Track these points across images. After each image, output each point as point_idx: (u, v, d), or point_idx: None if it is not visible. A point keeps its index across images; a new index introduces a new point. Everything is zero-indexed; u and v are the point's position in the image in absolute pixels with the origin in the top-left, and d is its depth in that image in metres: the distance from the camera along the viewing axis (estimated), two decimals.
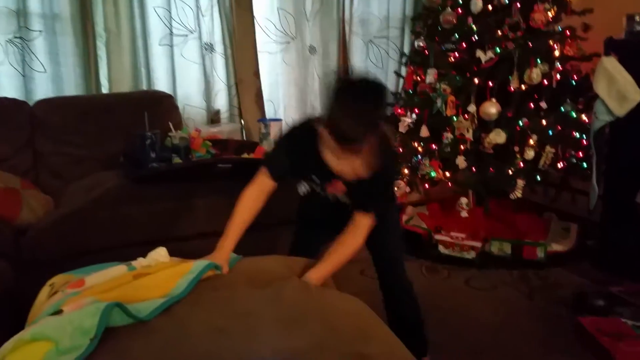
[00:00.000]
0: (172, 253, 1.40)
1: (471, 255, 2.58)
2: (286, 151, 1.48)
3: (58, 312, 1.04)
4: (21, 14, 2.50)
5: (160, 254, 1.33)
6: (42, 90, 2.60)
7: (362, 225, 1.42)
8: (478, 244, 2.63)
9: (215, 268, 1.31)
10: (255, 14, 3.02)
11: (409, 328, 1.61)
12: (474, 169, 2.69)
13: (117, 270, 1.26)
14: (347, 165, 1.29)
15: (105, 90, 2.75)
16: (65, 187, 2.22)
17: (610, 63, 2.27)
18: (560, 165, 2.67)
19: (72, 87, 2.66)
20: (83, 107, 2.48)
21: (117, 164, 2.22)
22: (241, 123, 3.11)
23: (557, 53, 2.62)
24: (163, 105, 2.61)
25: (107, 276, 1.23)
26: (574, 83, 2.68)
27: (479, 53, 2.62)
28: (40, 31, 2.56)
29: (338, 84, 1.31)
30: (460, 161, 2.64)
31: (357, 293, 1.29)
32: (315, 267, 1.38)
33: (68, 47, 2.63)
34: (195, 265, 1.32)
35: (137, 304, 1.13)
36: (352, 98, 1.24)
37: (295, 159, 1.44)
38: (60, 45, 2.62)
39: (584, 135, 2.61)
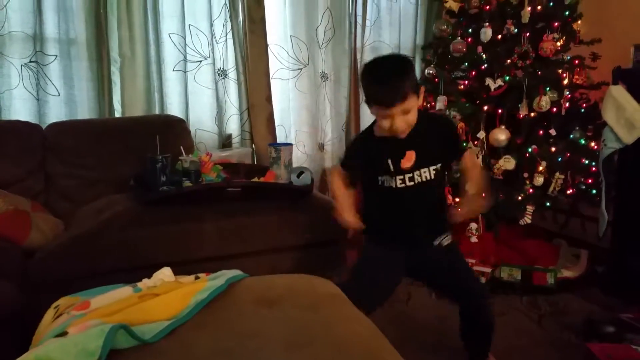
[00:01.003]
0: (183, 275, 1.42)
1: (481, 280, 2.56)
2: (356, 152, 1.72)
3: (63, 334, 1.04)
4: (37, 39, 2.56)
5: (165, 273, 1.34)
6: (56, 113, 2.64)
7: (469, 159, 1.74)
8: (488, 270, 2.61)
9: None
10: (268, 41, 3.08)
11: (489, 330, 1.79)
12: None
13: (123, 292, 1.27)
14: (407, 121, 1.52)
15: (118, 114, 2.79)
16: (75, 210, 2.24)
17: (618, 92, 2.28)
18: (569, 191, 2.66)
19: (85, 110, 2.71)
20: (95, 130, 2.51)
21: (127, 187, 2.24)
22: (252, 147, 3.14)
23: (566, 81, 2.63)
24: (175, 130, 2.64)
25: (112, 298, 1.24)
26: (582, 111, 2.68)
27: (488, 81, 2.64)
28: (55, 56, 2.62)
29: (365, 66, 1.57)
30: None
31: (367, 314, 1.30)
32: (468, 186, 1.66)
33: (82, 71, 2.69)
34: (209, 285, 1.33)
35: (142, 326, 1.14)
36: (379, 67, 1.54)
37: (368, 155, 1.65)
38: (75, 69, 2.67)
39: (593, 162, 2.60)
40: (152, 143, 2.19)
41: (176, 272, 1.43)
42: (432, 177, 1.62)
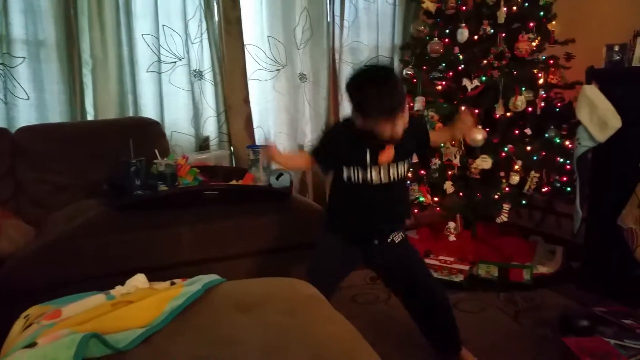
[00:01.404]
0: (158, 281, 1.39)
1: (459, 278, 2.58)
2: (330, 144, 1.71)
3: (32, 344, 1.01)
4: (4, 40, 2.49)
5: (139, 280, 1.31)
6: (25, 117, 2.58)
7: (432, 135, 1.85)
8: (466, 267, 2.63)
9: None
10: (245, 41, 3.05)
11: (452, 326, 1.83)
12: (461, 194, 2.71)
13: (96, 299, 1.23)
14: (400, 124, 1.57)
15: (90, 117, 2.73)
16: (47, 216, 2.18)
17: (592, 91, 2.32)
18: (544, 189, 2.70)
19: (56, 114, 2.64)
20: (66, 134, 2.45)
21: (101, 192, 2.20)
22: (230, 150, 3.11)
23: (541, 81, 2.67)
24: (149, 132, 2.60)
25: (84, 306, 1.20)
26: (557, 110, 2.73)
27: (465, 81, 2.66)
28: (23, 57, 2.55)
29: (351, 80, 1.60)
30: (448, 186, 2.69)
31: (348, 319, 1.28)
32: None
33: (53, 74, 2.62)
34: (185, 290, 1.30)
35: (116, 335, 1.11)
36: (370, 81, 1.56)
37: (344, 146, 1.65)
38: (45, 72, 2.61)
39: (568, 161, 2.64)
40: (126, 146, 2.15)
41: (152, 278, 1.40)
42: (403, 173, 1.70)
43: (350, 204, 1.72)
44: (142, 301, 1.22)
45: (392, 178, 1.66)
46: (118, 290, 1.29)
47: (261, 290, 1.37)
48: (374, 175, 1.64)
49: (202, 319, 1.19)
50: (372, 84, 1.54)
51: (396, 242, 1.76)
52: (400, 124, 1.58)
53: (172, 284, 1.34)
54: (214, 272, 1.50)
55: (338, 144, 1.68)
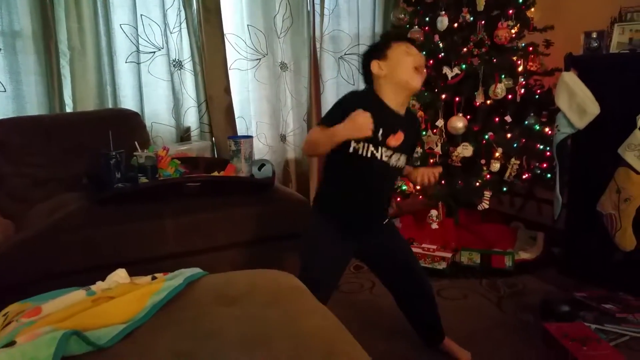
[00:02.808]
0: (141, 275, 1.38)
1: (442, 266, 2.61)
2: (346, 110, 1.50)
3: (11, 343, 1.00)
4: None
5: (120, 275, 1.30)
6: (2, 110, 2.52)
7: None
8: (448, 255, 2.66)
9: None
10: (225, 30, 3.01)
11: (436, 313, 1.85)
12: (443, 181, 2.73)
13: (76, 296, 1.22)
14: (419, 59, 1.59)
15: (69, 109, 2.69)
16: (26, 210, 2.15)
17: (570, 78, 2.34)
18: (525, 176, 2.74)
19: (34, 106, 2.59)
20: (44, 126, 2.40)
21: (80, 186, 2.17)
22: (212, 140, 3.09)
23: (520, 68, 2.69)
24: (129, 124, 2.56)
25: (64, 303, 1.19)
26: (537, 97, 2.75)
27: (446, 69, 2.67)
28: None
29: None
30: None
31: (330, 308, 1.30)
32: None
33: (30, 65, 2.57)
34: (166, 285, 1.30)
35: (97, 331, 1.11)
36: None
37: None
38: (22, 63, 2.55)
39: (548, 147, 2.67)
40: (106, 138, 2.12)
41: (134, 272, 1.40)
42: (403, 164, 1.68)
43: (350, 180, 1.63)
44: (123, 297, 1.21)
45: (393, 164, 1.63)
46: (99, 285, 1.29)
47: (243, 282, 1.38)
48: (382, 154, 1.58)
49: (183, 314, 1.19)
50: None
51: (386, 226, 1.77)
52: (423, 69, 1.60)
53: (154, 278, 1.34)
54: (198, 264, 1.50)
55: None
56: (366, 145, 1.56)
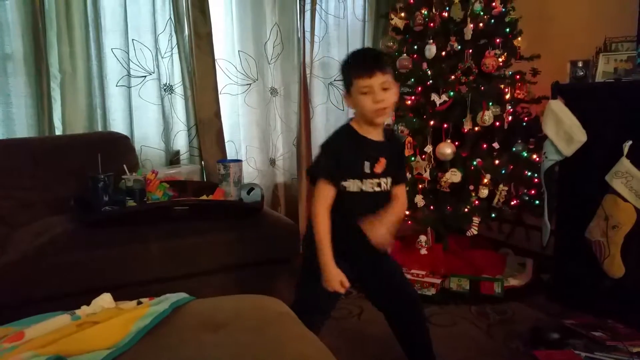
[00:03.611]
0: (127, 299, 1.36)
1: (431, 292, 2.59)
2: (335, 154, 1.61)
3: None
4: None
5: (105, 300, 1.28)
6: None
7: (403, 194, 1.75)
8: (438, 281, 2.64)
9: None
10: (215, 56, 3.04)
11: (428, 339, 1.82)
12: (432, 207, 2.74)
13: (60, 320, 1.20)
14: (387, 98, 1.55)
15: (59, 132, 2.68)
16: (11, 233, 2.11)
17: (558, 106, 2.37)
18: (513, 202, 2.75)
19: (24, 128, 2.59)
20: (33, 149, 2.39)
21: (67, 209, 2.14)
22: (201, 164, 3.08)
23: (508, 96, 2.72)
24: (118, 147, 2.56)
25: (48, 327, 1.16)
26: (524, 124, 2.78)
27: (434, 96, 2.70)
28: None
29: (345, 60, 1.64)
30: (419, 200, 2.70)
31: (318, 335, 1.29)
32: (380, 219, 1.62)
33: (20, 87, 2.57)
34: (151, 310, 1.27)
35: (81, 356, 1.08)
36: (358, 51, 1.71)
37: (346, 156, 1.60)
38: (12, 85, 2.56)
39: (535, 174, 2.69)
40: (94, 162, 2.11)
41: (120, 296, 1.37)
42: (389, 187, 1.69)
43: (343, 211, 1.64)
44: (108, 322, 1.19)
45: (382, 188, 1.66)
46: (84, 310, 1.26)
47: (230, 308, 1.36)
48: (369, 185, 1.63)
49: (168, 340, 1.17)
50: (356, 52, 1.67)
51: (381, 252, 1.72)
52: (382, 94, 1.54)
53: (139, 303, 1.31)
54: (185, 289, 1.48)
55: (344, 152, 1.62)
56: (352, 180, 1.62)
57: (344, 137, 1.66)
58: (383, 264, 1.77)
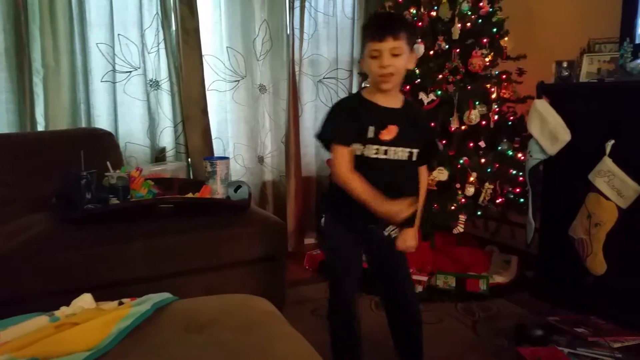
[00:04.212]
0: (109, 299, 1.34)
1: (418, 289, 2.61)
2: (336, 115, 1.63)
3: None
4: None
5: (85, 300, 1.26)
6: None
7: (424, 176, 1.76)
8: (424, 278, 2.66)
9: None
10: (203, 52, 3.01)
11: (420, 339, 1.82)
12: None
13: (38, 321, 1.18)
14: (394, 64, 1.51)
15: (41, 127, 2.64)
16: None
17: (542, 105, 2.39)
18: (499, 200, 2.77)
19: (4, 124, 2.54)
20: (13, 145, 2.34)
21: (49, 206, 2.11)
22: (187, 161, 3.06)
23: (494, 96, 2.74)
24: (102, 143, 2.52)
25: (25, 329, 1.14)
26: (510, 124, 2.81)
27: (422, 95, 2.71)
28: None
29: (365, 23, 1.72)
30: None
31: (307, 333, 1.27)
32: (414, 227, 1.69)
33: (1, 82, 2.52)
34: (133, 311, 1.26)
35: (58, 359, 1.06)
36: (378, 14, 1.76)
37: (353, 119, 1.59)
38: None
39: (520, 173, 2.72)
40: (76, 158, 2.07)
41: (101, 296, 1.35)
42: (406, 158, 1.63)
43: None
44: (88, 323, 1.17)
45: (392, 157, 1.60)
46: (63, 311, 1.24)
47: (214, 308, 1.34)
48: (373, 151, 1.59)
49: (151, 341, 1.15)
50: (376, 14, 1.72)
51: (392, 237, 1.70)
52: (389, 60, 1.51)
53: (120, 303, 1.30)
54: (169, 288, 1.46)
55: (350, 115, 1.60)
56: (356, 145, 1.59)
57: (348, 100, 1.71)
58: (387, 249, 1.72)
